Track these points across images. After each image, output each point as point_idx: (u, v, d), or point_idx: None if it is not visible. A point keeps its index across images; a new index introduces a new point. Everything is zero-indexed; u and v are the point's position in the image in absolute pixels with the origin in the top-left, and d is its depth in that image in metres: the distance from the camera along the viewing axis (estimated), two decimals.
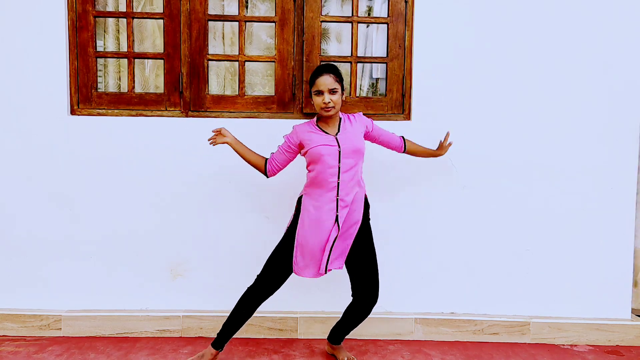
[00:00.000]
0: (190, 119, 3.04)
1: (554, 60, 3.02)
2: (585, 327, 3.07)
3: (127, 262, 3.07)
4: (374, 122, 2.69)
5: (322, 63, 2.44)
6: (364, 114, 2.73)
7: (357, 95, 3.18)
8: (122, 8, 3.16)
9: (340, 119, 2.58)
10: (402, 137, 2.73)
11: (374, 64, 3.24)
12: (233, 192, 3.05)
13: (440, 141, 2.80)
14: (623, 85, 3.03)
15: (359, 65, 3.23)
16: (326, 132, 2.51)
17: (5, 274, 3.06)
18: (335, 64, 3.26)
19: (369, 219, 2.63)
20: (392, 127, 2.91)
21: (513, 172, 3.06)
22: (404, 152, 2.73)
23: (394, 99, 3.07)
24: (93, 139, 3.02)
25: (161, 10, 3.04)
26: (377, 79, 3.30)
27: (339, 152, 2.46)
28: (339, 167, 2.45)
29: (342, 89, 2.51)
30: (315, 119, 2.58)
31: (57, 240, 3.05)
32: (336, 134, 2.51)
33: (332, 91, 2.44)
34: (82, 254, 3.06)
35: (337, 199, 2.47)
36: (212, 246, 3.07)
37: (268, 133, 2.84)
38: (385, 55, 3.08)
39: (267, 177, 2.60)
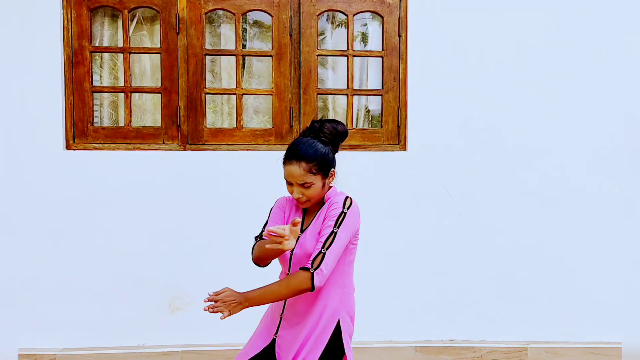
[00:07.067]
0: (188, 152, 3.05)
1: (551, 89, 3.11)
2: (581, 351, 3.12)
3: (124, 297, 3.02)
4: (338, 214, 1.79)
5: (298, 140, 1.80)
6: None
7: (354, 127, 3.22)
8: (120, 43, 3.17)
9: (324, 204, 1.86)
10: (311, 268, 1.73)
11: (369, 96, 3.30)
12: (232, 225, 3.04)
13: None
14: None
15: (355, 97, 3.28)
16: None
17: None
18: (331, 96, 3.34)
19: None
20: (389, 158, 2.97)
21: (508, 200, 3.12)
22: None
23: (390, 130, 3.13)
24: (89, 174, 2.99)
25: (158, 45, 3.07)
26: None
27: (290, 256, 1.85)
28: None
29: (326, 175, 1.81)
30: None
31: (52, 277, 2.99)
32: (306, 227, 1.86)
33: (305, 185, 1.78)
34: (77, 290, 3.00)
35: (281, 317, 1.87)
36: (212, 278, 3.03)
37: (266, 165, 2.84)
38: (380, 88, 3.15)
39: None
